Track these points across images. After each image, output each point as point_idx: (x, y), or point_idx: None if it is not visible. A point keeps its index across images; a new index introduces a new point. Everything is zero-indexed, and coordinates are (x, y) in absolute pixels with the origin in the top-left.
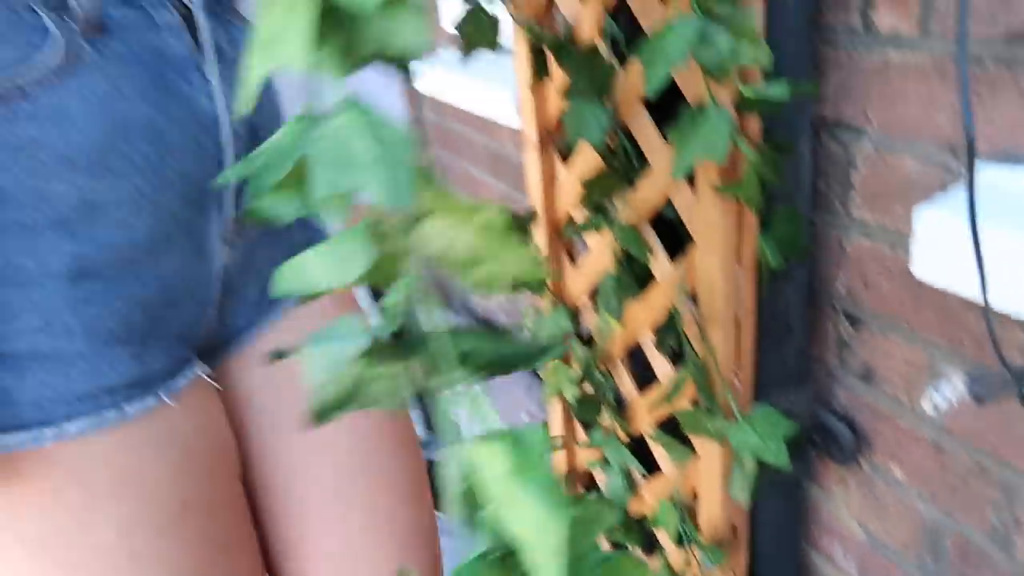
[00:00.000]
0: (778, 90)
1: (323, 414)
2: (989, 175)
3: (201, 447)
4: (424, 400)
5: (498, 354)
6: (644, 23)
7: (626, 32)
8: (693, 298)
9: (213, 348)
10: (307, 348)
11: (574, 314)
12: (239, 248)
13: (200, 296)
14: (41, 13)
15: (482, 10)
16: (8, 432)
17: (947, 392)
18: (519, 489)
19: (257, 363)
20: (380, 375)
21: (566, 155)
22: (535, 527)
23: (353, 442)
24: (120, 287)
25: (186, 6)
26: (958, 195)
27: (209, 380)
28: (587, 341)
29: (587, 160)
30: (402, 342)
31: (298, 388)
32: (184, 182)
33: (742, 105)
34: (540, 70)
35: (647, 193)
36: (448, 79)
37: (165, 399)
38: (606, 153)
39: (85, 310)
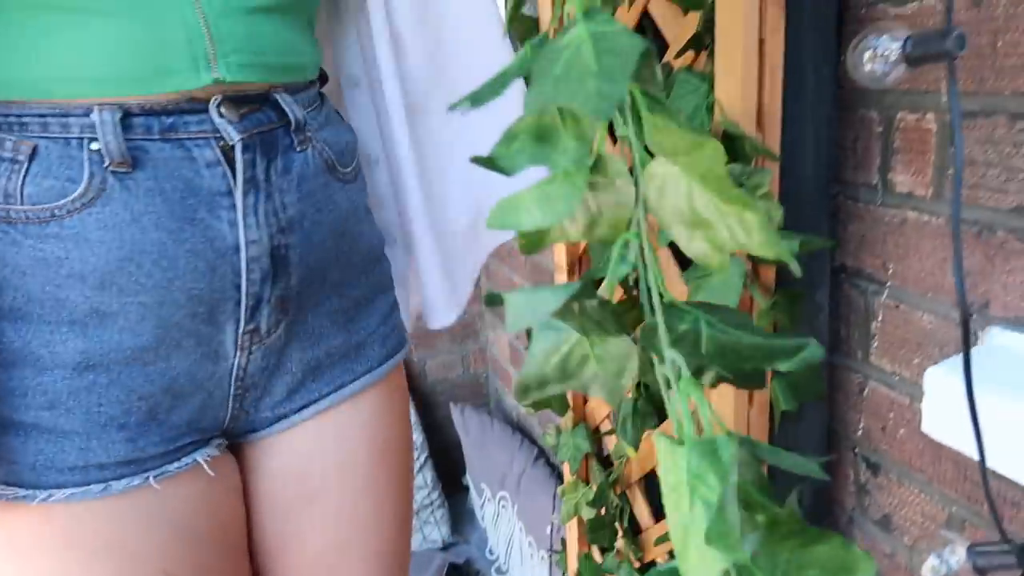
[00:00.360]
0: (788, 244)
1: (531, 390)
2: (1003, 339)
3: (193, 524)
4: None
5: (740, 345)
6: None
7: None
8: None
9: (238, 430)
10: (517, 300)
11: (595, 434)
12: (261, 351)
13: (212, 392)
14: (83, 149)
15: None
16: (8, 486)
17: (951, 561)
18: None
19: (274, 456)
20: (601, 355)
21: (597, 281)
22: None
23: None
24: (123, 381)
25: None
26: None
27: (208, 468)
28: (606, 462)
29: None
30: (625, 315)
31: (306, 487)
32: (193, 301)
33: (756, 256)
34: None
35: None
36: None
37: (152, 482)
38: (628, 287)
39: (86, 397)
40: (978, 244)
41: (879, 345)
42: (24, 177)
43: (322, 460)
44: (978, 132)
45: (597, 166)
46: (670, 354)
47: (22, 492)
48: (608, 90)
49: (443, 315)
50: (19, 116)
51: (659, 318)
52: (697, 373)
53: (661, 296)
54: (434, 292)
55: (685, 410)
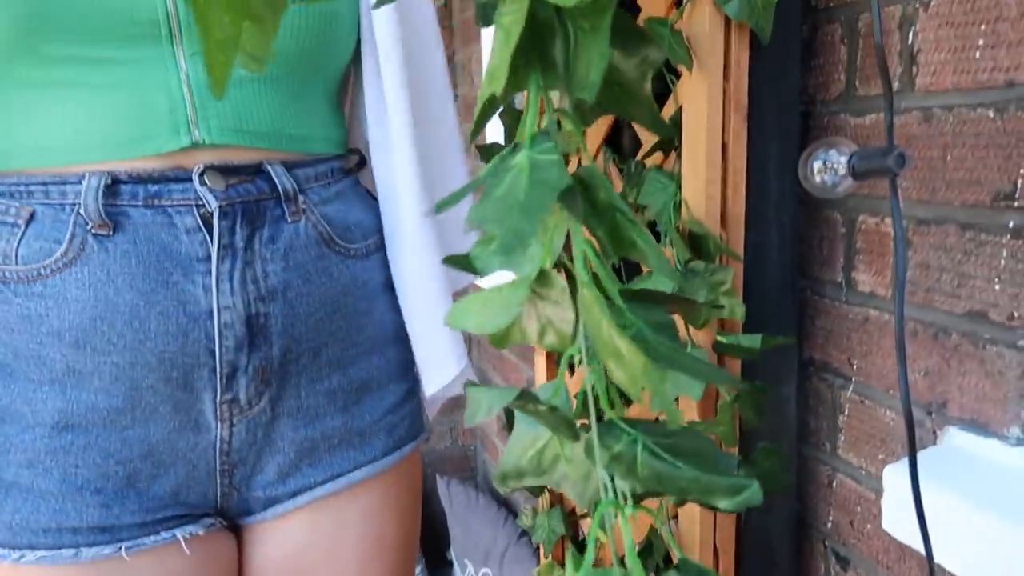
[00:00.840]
0: (750, 340)
1: (509, 479)
2: (960, 440)
3: None
4: (434, 574)
5: (677, 476)
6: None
7: (628, 266)
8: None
9: (232, 511)
10: (476, 395)
11: (570, 516)
12: (244, 425)
13: (196, 464)
14: (72, 213)
15: None
16: None
17: None
18: None
19: (267, 543)
20: (570, 456)
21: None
22: None
23: None
24: (100, 444)
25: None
26: (928, 456)
27: (184, 546)
28: (582, 545)
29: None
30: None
31: None
32: (165, 364)
33: (719, 349)
34: None
35: (639, 411)
36: None
37: (124, 554)
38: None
39: (64, 458)
40: (935, 346)
41: (846, 439)
42: (20, 240)
43: (314, 553)
44: (931, 239)
45: (544, 279)
46: (601, 474)
47: None
48: (521, 228)
49: (442, 371)
50: (26, 184)
51: (595, 436)
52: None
53: (600, 415)
54: (430, 348)
55: (594, 532)
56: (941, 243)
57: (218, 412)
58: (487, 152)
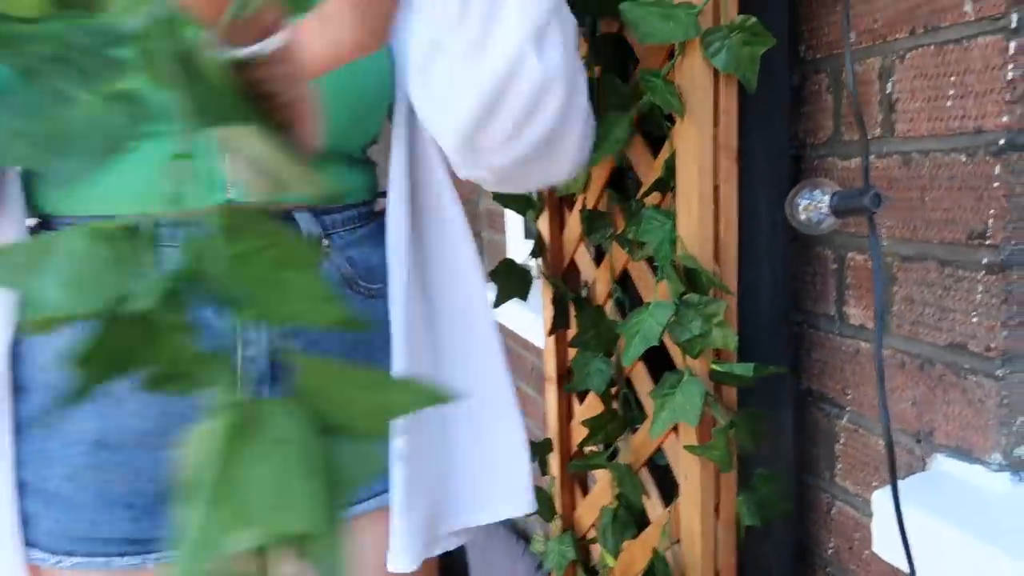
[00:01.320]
0: (743, 369)
1: None
2: (946, 466)
3: None
4: None
5: None
6: (643, 294)
7: (631, 297)
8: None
9: None
10: None
11: (581, 541)
12: None
13: None
14: None
15: (513, 263)
16: (29, 547)
17: None
18: None
19: None
20: None
21: (583, 394)
22: None
23: None
24: (132, 462)
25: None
26: (915, 481)
27: None
28: (592, 572)
29: (594, 403)
30: None
31: None
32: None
33: (715, 377)
34: (560, 318)
35: (643, 440)
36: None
37: (151, 565)
38: (610, 399)
39: (100, 474)
40: (921, 376)
41: (843, 467)
42: None
43: None
44: (914, 274)
45: None
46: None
47: (38, 555)
48: None
49: (402, 559)
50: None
51: None
52: None
53: None
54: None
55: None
56: (923, 278)
57: None
58: None
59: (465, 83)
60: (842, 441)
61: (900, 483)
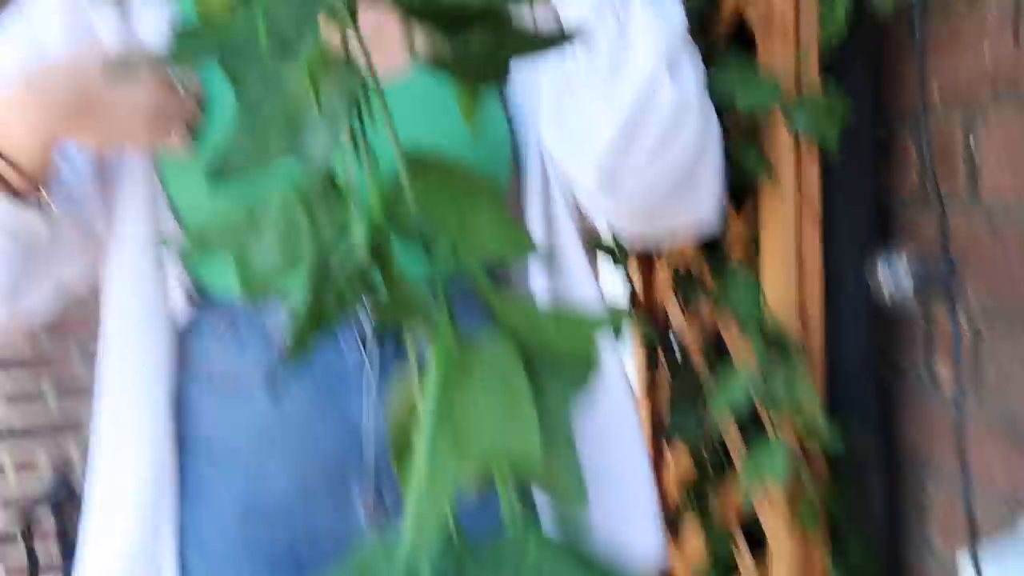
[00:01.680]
0: (827, 432)
1: None
2: None
3: None
4: None
5: None
6: (730, 346)
7: (720, 352)
8: None
9: None
10: None
11: None
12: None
13: (345, 547)
14: (263, 334)
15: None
16: None
17: None
18: None
19: None
20: None
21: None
22: None
23: None
24: (274, 525)
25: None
26: (1003, 543)
27: None
28: None
29: (684, 454)
30: None
31: None
32: (325, 460)
33: (801, 439)
34: (652, 364)
35: (733, 497)
36: None
37: None
38: (701, 451)
39: (245, 533)
40: (1012, 438)
41: (934, 527)
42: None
43: None
44: (1002, 335)
45: None
46: None
47: None
48: None
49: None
50: (231, 310)
51: None
52: None
53: None
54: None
55: None
56: (1011, 338)
57: (365, 504)
58: None
59: (600, 112)
60: (932, 501)
61: (988, 545)
